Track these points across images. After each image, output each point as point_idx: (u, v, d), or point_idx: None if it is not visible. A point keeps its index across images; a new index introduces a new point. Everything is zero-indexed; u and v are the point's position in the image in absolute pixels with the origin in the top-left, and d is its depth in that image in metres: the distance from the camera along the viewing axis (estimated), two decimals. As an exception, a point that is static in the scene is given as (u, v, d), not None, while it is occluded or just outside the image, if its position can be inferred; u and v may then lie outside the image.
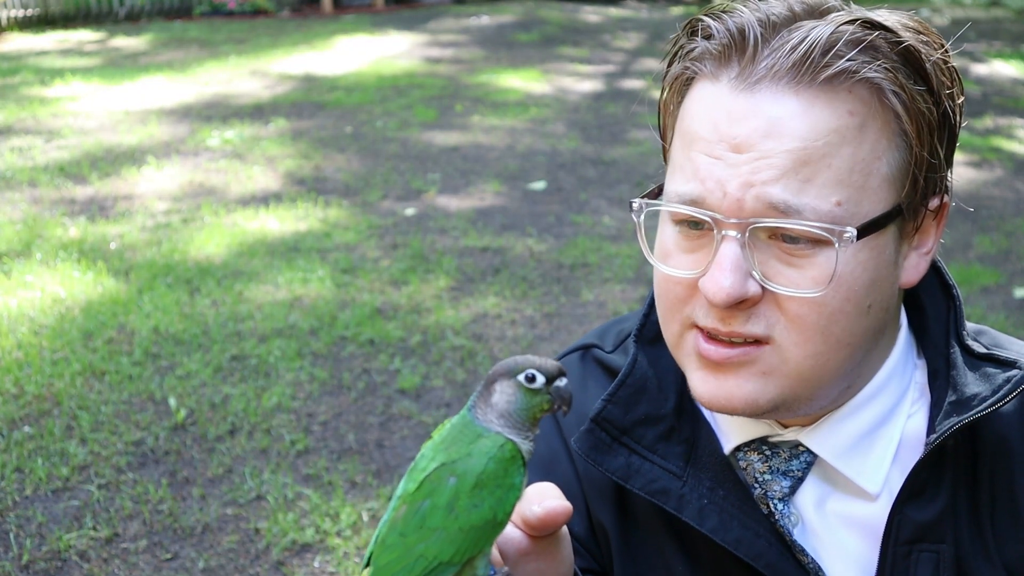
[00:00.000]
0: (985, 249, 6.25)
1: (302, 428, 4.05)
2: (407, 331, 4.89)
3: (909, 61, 1.00)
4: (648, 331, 1.21)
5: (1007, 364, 1.09)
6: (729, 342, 1.03)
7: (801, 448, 1.12)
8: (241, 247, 6.00)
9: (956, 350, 1.12)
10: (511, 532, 0.97)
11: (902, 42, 0.99)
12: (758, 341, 1.03)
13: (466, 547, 0.89)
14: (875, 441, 1.11)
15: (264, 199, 6.91)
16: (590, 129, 9.03)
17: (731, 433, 1.16)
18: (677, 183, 1.04)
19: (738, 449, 1.15)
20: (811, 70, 0.97)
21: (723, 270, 0.99)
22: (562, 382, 0.94)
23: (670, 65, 1.08)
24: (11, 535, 3.37)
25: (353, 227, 6.38)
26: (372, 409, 4.21)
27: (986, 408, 1.04)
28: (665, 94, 1.10)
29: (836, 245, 0.98)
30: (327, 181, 7.39)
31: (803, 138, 0.97)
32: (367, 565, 0.92)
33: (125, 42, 13.84)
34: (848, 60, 0.97)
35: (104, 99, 9.84)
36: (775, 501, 1.12)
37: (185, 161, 7.82)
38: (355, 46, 13.30)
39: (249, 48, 13.07)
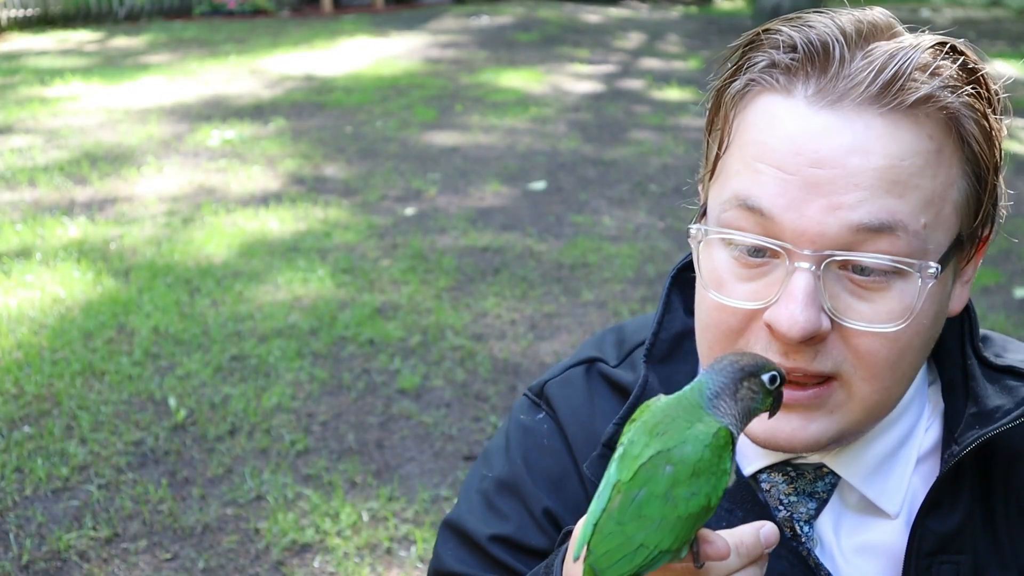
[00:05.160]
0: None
1: (302, 428, 4.05)
2: (407, 331, 4.89)
3: (981, 90, 0.98)
4: (658, 351, 1.15)
5: None
6: (795, 383, 0.98)
7: (825, 470, 1.10)
8: (241, 247, 6.00)
9: (973, 361, 1.11)
10: (719, 546, 0.89)
11: (977, 70, 0.98)
12: (825, 378, 0.99)
13: (684, 534, 0.87)
14: (896, 462, 1.10)
15: (264, 199, 6.91)
16: (590, 129, 9.02)
17: (752, 455, 1.11)
18: (737, 186, 0.98)
19: (759, 471, 1.12)
20: (897, 93, 0.94)
21: (797, 303, 0.93)
22: (783, 386, 0.92)
23: (730, 77, 1.02)
24: (11, 535, 3.36)
25: (353, 227, 6.38)
26: (372, 409, 4.21)
27: (1010, 421, 1.03)
28: (718, 106, 1.03)
29: (919, 280, 0.95)
30: (327, 181, 7.39)
31: (891, 157, 0.93)
32: (579, 553, 0.90)
33: (125, 42, 13.83)
34: (930, 86, 0.94)
35: (104, 99, 9.83)
36: (801, 523, 1.10)
37: (185, 161, 7.81)
38: (355, 46, 13.29)
39: (249, 48, 13.06)
